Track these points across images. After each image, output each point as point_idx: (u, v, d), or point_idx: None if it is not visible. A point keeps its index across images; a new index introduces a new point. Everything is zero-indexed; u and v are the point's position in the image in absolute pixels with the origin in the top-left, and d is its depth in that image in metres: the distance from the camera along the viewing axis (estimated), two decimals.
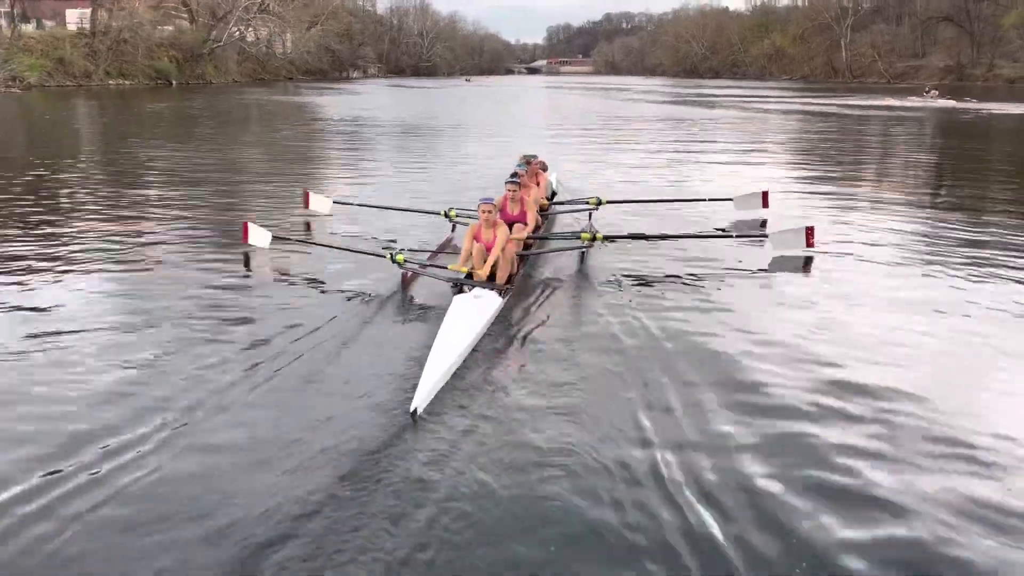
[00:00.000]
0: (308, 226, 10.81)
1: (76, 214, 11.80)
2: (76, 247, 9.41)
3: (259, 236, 9.04)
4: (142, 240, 9.92)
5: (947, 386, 5.32)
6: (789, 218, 10.77)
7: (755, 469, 4.14)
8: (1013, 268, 8.46)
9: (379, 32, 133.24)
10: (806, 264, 8.59)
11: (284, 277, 8.13)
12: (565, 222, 10.96)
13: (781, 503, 3.84)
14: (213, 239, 9.92)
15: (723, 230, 10.27)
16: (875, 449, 4.39)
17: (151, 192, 14.42)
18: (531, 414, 4.77)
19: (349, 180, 15.82)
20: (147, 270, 8.41)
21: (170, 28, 75.36)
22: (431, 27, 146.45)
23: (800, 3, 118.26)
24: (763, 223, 10.69)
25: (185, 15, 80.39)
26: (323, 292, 7.55)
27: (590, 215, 10.60)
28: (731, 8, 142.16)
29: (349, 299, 7.17)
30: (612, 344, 6.02)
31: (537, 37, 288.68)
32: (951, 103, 46.05)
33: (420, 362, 5.32)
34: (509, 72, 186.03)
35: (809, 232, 8.67)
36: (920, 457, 4.32)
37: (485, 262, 7.24)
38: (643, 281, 7.92)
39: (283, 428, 4.54)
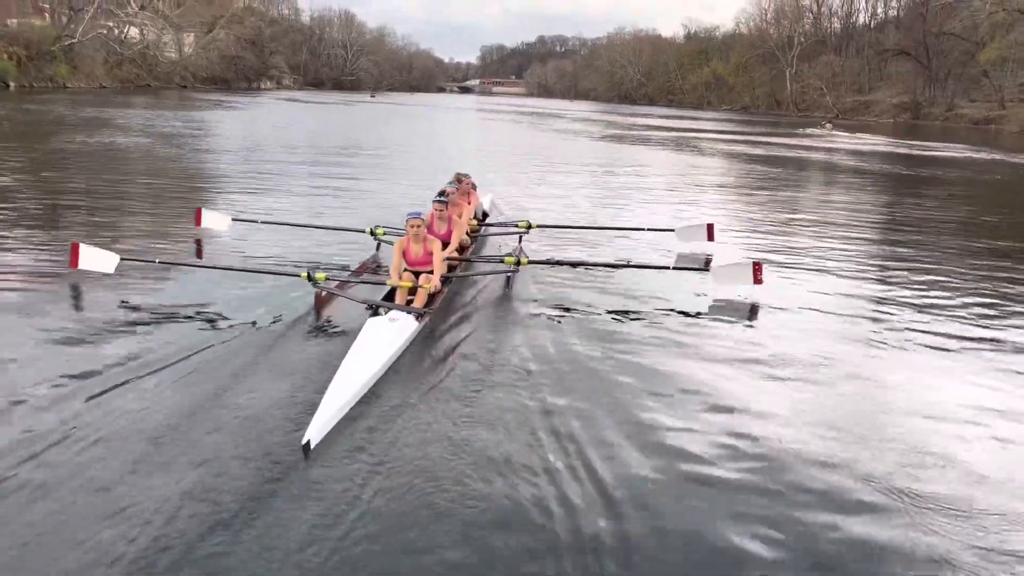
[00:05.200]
0: (198, 249, 9.79)
1: None
2: None
3: (98, 260, 7.74)
4: None
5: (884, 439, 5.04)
6: (736, 253, 10.58)
7: (657, 508, 4.10)
8: (961, 307, 8.45)
9: (297, 41, 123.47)
10: (751, 303, 8.13)
11: (163, 306, 7.13)
12: (494, 244, 10.73)
13: (680, 532, 3.87)
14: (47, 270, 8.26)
15: (662, 262, 9.72)
16: (783, 503, 4.22)
17: None
18: (434, 449, 4.56)
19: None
20: None
21: (15, 21, 62.61)
22: (356, 39, 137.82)
23: (744, 30, 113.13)
24: (707, 258, 10.33)
25: (45, 4, 67.96)
26: (214, 319, 6.76)
27: (520, 238, 10.27)
28: (664, 35, 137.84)
29: (249, 325, 6.60)
30: (526, 377, 5.78)
31: (471, 56, 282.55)
32: (844, 136, 49.57)
33: (323, 392, 4.96)
34: (441, 90, 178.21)
35: (757, 268, 8.06)
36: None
37: (418, 276, 7.20)
38: (571, 310, 7.65)
39: (148, 469, 4.11)
